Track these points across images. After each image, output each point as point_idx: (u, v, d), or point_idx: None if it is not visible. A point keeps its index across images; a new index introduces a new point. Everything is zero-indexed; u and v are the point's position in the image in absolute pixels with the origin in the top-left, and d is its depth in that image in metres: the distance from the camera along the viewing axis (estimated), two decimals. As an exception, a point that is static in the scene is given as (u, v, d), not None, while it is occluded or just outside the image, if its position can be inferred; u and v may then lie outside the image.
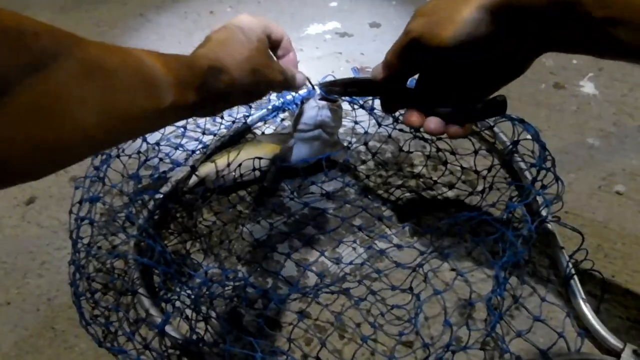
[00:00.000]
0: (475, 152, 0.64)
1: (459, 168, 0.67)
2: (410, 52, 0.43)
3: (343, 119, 0.72)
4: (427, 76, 0.47)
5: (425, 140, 0.68)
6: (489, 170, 0.64)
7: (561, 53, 0.39)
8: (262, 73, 0.43)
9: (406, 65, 0.45)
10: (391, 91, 0.48)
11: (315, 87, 0.59)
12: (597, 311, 0.52)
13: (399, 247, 0.60)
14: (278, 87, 0.48)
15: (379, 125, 0.71)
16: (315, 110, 0.61)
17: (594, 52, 0.36)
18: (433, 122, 0.46)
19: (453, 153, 0.66)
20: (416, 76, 0.48)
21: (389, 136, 0.73)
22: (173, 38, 1.08)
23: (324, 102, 0.61)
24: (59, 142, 0.25)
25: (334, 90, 0.57)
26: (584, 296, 0.52)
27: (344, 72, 0.89)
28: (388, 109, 0.51)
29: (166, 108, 0.33)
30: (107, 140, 0.30)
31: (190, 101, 0.36)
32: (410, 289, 0.56)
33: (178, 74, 0.34)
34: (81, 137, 0.27)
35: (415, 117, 0.47)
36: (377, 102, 0.73)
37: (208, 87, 0.37)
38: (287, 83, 0.48)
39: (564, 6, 0.33)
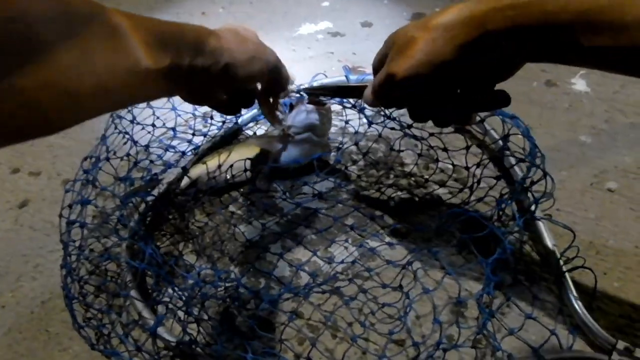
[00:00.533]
0: (467, 148, 0.64)
1: (450, 166, 0.67)
2: (395, 91, 0.43)
3: (333, 120, 0.72)
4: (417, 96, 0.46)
5: (417, 138, 0.68)
6: (478, 165, 0.64)
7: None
8: (258, 50, 0.45)
9: (390, 103, 0.46)
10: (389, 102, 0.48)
11: (303, 93, 0.60)
12: (589, 308, 0.52)
13: (390, 245, 0.61)
14: (273, 66, 0.49)
15: (370, 124, 0.72)
16: (304, 114, 0.62)
17: (575, 64, 0.37)
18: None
19: (445, 150, 0.66)
20: None
21: (379, 135, 0.73)
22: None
23: (312, 106, 0.62)
24: (84, 95, 0.28)
25: (320, 95, 0.57)
26: (575, 293, 0.53)
27: (336, 72, 0.89)
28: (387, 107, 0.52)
29: (160, 70, 0.33)
30: (118, 95, 0.32)
31: (186, 63, 0.36)
32: (400, 287, 0.56)
33: (172, 36, 0.35)
34: (100, 92, 0.29)
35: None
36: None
37: (199, 50, 0.37)
38: (280, 68, 0.50)
39: (551, 30, 0.34)
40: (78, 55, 0.27)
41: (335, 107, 0.72)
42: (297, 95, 0.59)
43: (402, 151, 0.71)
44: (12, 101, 0.24)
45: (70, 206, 0.61)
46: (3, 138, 0.26)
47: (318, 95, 0.58)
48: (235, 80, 0.43)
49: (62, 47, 0.26)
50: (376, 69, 0.46)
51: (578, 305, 0.52)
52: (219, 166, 0.66)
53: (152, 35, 0.33)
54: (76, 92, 0.28)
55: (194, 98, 0.45)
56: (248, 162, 0.66)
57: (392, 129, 0.70)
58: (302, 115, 0.60)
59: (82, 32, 0.28)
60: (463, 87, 0.43)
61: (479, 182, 0.63)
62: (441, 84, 0.42)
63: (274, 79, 0.50)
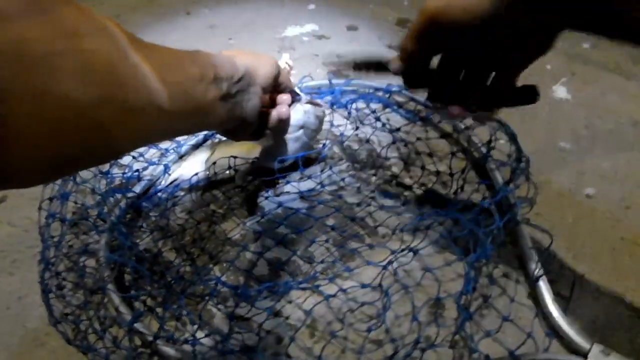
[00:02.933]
0: (453, 154, 0.65)
1: (434, 169, 0.68)
2: (427, 33, 0.41)
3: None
4: (447, 58, 0.44)
5: (405, 143, 0.69)
6: (463, 171, 0.65)
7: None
8: (262, 55, 0.49)
9: (424, 48, 0.43)
10: (412, 73, 0.46)
11: (301, 93, 0.61)
12: (565, 311, 0.53)
13: (370, 246, 0.61)
14: (278, 65, 0.52)
15: (357, 127, 0.72)
16: (300, 113, 0.62)
17: (612, 35, 0.36)
18: (457, 110, 0.46)
19: (430, 155, 0.67)
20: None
21: (367, 141, 0.74)
22: (149, 39, 1.08)
23: (309, 106, 0.62)
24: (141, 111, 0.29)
25: (350, 67, 0.53)
26: (552, 296, 0.53)
27: (320, 74, 0.89)
28: (411, 85, 0.49)
29: (198, 78, 0.38)
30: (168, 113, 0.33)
31: (212, 73, 0.40)
32: (380, 286, 0.56)
33: (194, 56, 0.40)
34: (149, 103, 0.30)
35: (457, 111, 0.47)
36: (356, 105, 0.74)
37: (217, 65, 0.41)
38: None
39: None
40: (132, 72, 0.28)
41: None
42: (295, 93, 0.59)
43: (389, 159, 0.72)
44: (73, 117, 0.23)
45: (50, 199, 0.60)
46: (68, 161, 0.25)
47: (350, 67, 0.55)
48: (255, 83, 0.46)
49: (119, 64, 0.27)
50: (406, 46, 0.44)
51: (554, 308, 0.52)
52: (214, 163, 0.66)
53: (177, 54, 0.36)
54: (133, 107, 0.28)
55: (233, 118, 0.46)
56: (232, 160, 0.66)
57: (383, 130, 0.71)
58: (298, 113, 0.60)
59: (134, 51, 0.29)
60: (496, 66, 0.42)
61: (462, 188, 0.64)
62: (473, 45, 0.40)
63: (282, 77, 0.53)
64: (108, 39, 0.27)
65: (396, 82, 0.72)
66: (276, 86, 0.54)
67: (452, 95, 0.46)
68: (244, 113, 0.46)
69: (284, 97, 0.56)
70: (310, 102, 0.61)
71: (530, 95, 0.44)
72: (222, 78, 0.41)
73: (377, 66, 0.51)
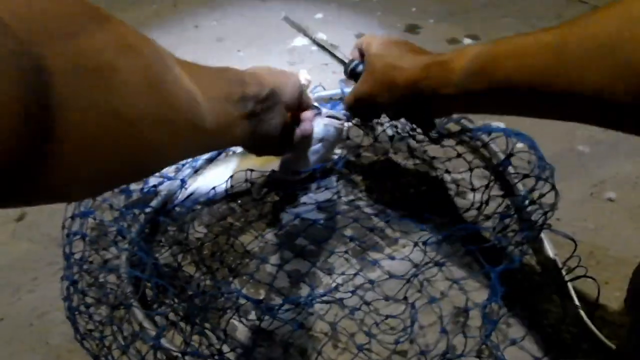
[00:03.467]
0: (471, 169, 0.65)
1: (453, 178, 0.68)
2: (356, 103, 0.57)
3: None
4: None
5: (423, 160, 0.69)
6: (487, 187, 0.64)
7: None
8: (285, 73, 0.50)
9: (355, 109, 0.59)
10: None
11: (321, 107, 0.61)
12: (591, 317, 0.52)
13: (391, 258, 0.60)
14: (300, 83, 0.53)
15: (375, 139, 0.72)
16: (321, 126, 0.62)
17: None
18: None
19: (448, 172, 0.67)
20: None
21: (386, 153, 0.73)
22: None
23: (329, 120, 0.62)
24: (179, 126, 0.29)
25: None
26: (578, 303, 0.53)
27: (330, 83, 0.89)
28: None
29: (223, 97, 0.38)
30: (201, 131, 0.33)
31: (239, 92, 0.40)
32: (405, 298, 0.56)
33: (219, 75, 0.40)
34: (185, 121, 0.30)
35: None
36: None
37: (243, 82, 0.42)
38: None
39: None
40: (170, 88, 0.28)
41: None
42: (316, 107, 0.60)
43: (405, 168, 0.72)
44: (122, 133, 0.23)
45: (72, 217, 0.61)
46: (112, 177, 0.25)
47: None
48: (280, 106, 0.47)
49: (159, 81, 0.27)
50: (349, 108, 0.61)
51: (581, 315, 0.52)
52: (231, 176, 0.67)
53: (206, 72, 0.37)
54: (177, 124, 0.28)
55: (257, 137, 0.47)
56: (248, 173, 0.66)
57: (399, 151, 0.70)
58: (319, 127, 0.60)
59: (170, 68, 0.29)
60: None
61: (487, 202, 0.63)
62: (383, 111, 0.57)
63: (300, 97, 0.53)
64: (157, 56, 0.27)
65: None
66: (299, 103, 0.54)
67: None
68: (268, 131, 0.47)
69: (308, 114, 0.56)
70: (331, 116, 0.61)
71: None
72: (248, 97, 0.41)
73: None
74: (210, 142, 0.38)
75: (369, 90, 0.54)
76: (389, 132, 0.73)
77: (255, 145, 0.50)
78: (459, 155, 0.67)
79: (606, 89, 0.31)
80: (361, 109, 0.58)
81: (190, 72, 0.32)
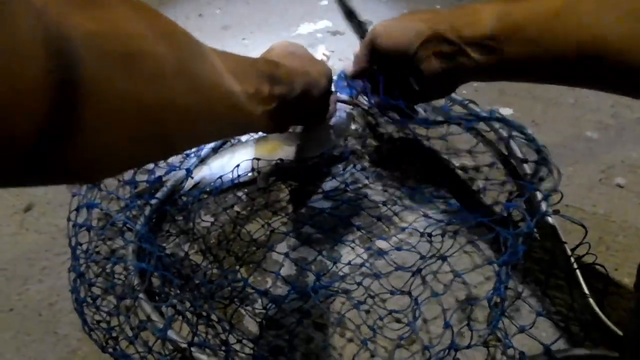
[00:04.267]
0: (470, 152, 0.64)
1: (459, 164, 0.67)
2: (369, 49, 0.52)
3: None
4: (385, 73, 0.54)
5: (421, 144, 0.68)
6: (491, 166, 0.64)
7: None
8: (317, 68, 0.48)
9: (367, 59, 0.53)
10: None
11: (337, 91, 0.60)
12: (600, 305, 0.52)
13: (398, 249, 0.60)
14: (330, 77, 0.51)
15: (377, 125, 0.71)
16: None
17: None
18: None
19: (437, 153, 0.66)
20: None
21: (390, 138, 0.73)
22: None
23: (341, 105, 0.61)
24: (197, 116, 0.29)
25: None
26: (586, 290, 0.52)
27: (336, 71, 0.89)
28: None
29: (253, 94, 0.36)
30: (223, 120, 0.33)
31: (267, 91, 0.38)
32: (409, 293, 0.56)
33: (249, 66, 0.38)
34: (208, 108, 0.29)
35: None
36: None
37: (274, 79, 0.40)
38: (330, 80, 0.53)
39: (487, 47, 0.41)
40: (194, 77, 0.28)
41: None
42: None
43: (412, 155, 0.71)
44: (142, 118, 0.24)
45: (77, 209, 0.61)
46: (131, 159, 0.26)
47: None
48: (310, 102, 0.46)
49: (183, 68, 0.26)
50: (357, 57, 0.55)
51: (590, 301, 0.51)
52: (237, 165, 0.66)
53: (233, 64, 0.35)
54: (192, 112, 0.28)
55: (279, 129, 0.47)
56: (256, 162, 0.66)
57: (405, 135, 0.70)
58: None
59: (195, 56, 0.28)
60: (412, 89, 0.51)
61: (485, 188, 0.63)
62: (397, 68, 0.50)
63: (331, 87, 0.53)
64: (176, 42, 0.27)
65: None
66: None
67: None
68: (292, 123, 0.46)
69: (332, 98, 0.56)
70: (341, 101, 0.60)
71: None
72: (276, 96, 0.40)
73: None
74: (228, 130, 0.37)
75: (388, 23, 0.49)
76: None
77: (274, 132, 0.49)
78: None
79: (627, 48, 0.32)
80: (372, 51, 0.52)
81: (219, 61, 0.31)
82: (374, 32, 0.50)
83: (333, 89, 0.60)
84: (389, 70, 0.53)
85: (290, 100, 0.42)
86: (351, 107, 0.60)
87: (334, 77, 0.56)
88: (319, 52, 0.57)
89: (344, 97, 0.60)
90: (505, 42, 0.40)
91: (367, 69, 0.55)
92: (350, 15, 0.74)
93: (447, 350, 0.47)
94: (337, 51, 0.99)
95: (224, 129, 0.36)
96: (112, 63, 0.21)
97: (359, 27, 0.66)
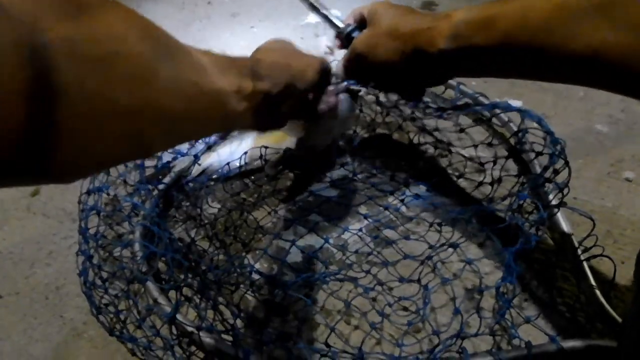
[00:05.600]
0: (475, 145, 0.64)
1: (463, 158, 0.67)
2: (353, 62, 0.53)
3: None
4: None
5: (430, 134, 0.68)
6: (495, 162, 0.64)
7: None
8: (304, 60, 0.47)
9: (352, 70, 0.55)
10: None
11: (339, 79, 0.60)
12: (607, 297, 0.51)
13: (406, 238, 0.60)
14: (320, 69, 0.50)
15: (387, 114, 0.71)
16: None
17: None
18: None
19: (450, 144, 0.66)
20: None
21: (399, 127, 0.72)
22: (171, 29, 1.07)
23: (345, 95, 0.61)
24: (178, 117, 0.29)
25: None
26: (593, 282, 0.52)
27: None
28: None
29: (235, 90, 0.35)
30: (202, 119, 0.33)
31: (250, 87, 0.38)
32: (419, 280, 0.56)
33: (230, 63, 0.37)
34: (184, 108, 0.29)
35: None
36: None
37: (256, 74, 0.39)
38: (324, 66, 0.51)
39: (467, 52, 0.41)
40: (172, 77, 0.28)
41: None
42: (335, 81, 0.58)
43: (421, 145, 0.71)
44: (118, 121, 0.24)
45: (88, 193, 0.61)
46: (108, 160, 0.26)
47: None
48: (295, 96, 0.45)
49: (160, 69, 0.26)
50: (345, 68, 0.55)
51: (596, 294, 0.51)
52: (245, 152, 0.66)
53: (214, 61, 0.35)
54: (171, 112, 0.28)
55: (262, 125, 0.46)
56: (263, 150, 0.65)
57: (413, 120, 0.69)
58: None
59: (174, 56, 0.28)
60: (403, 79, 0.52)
61: (499, 180, 0.63)
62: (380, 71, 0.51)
63: (323, 79, 0.52)
64: (151, 43, 0.27)
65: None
66: (322, 84, 0.53)
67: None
68: (278, 119, 0.46)
69: (331, 90, 0.55)
70: (348, 91, 0.60)
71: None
72: (259, 91, 0.39)
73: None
74: (211, 128, 0.37)
75: (372, 40, 0.50)
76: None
77: (267, 129, 0.49)
78: (475, 122, 0.66)
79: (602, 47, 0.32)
80: (358, 67, 0.54)
81: (191, 59, 0.31)
82: (356, 50, 0.52)
83: (335, 79, 0.60)
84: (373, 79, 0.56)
85: (274, 95, 0.41)
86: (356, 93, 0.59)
87: (334, 69, 0.55)
88: (322, 44, 0.56)
89: (345, 85, 0.60)
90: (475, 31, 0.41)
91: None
92: (313, 7, 0.73)
93: (455, 338, 0.47)
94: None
95: (206, 128, 0.36)
96: (87, 67, 0.21)
97: (326, 19, 0.65)
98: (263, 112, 0.41)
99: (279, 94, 0.42)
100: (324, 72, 0.51)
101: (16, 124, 0.18)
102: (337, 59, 0.60)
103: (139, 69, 0.24)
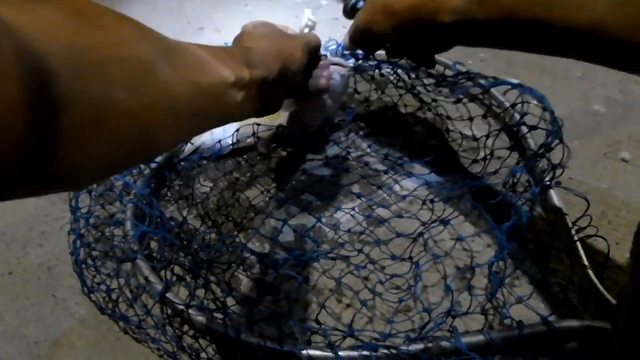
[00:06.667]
0: (470, 119, 0.63)
1: (459, 135, 0.66)
2: (359, 35, 0.53)
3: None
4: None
5: (427, 107, 0.67)
6: (487, 137, 0.63)
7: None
8: (292, 43, 0.47)
9: (359, 43, 0.55)
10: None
11: (327, 53, 0.59)
12: (600, 278, 0.51)
13: (399, 216, 0.60)
14: (310, 48, 0.50)
15: (382, 92, 0.70)
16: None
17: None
18: None
19: (449, 117, 0.65)
20: None
21: (394, 105, 0.71)
22: (164, 9, 1.06)
23: (335, 66, 0.60)
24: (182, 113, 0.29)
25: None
26: (586, 263, 0.52)
27: (340, 37, 0.87)
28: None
29: (233, 82, 0.35)
30: (203, 115, 0.33)
31: (247, 76, 0.38)
32: (410, 258, 0.55)
33: (224, 54, 0.37)
34: (186, 107, 0.29)
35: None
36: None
37: (250, 63, 0.39)
38: (313, 44, 0.51)
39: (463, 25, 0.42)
40: (172, 77, 0.28)
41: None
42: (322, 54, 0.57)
43: (415, 124, 0.70)
44: (124, 124, 0.24)
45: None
46: (116, 165, 0.26)
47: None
48: (289, 79, 0.45)
49: (160, 69, 0.27)
50: (348, 45, 0.57)
51: (589, 275, 0.51)
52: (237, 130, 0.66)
53: (212, 54, 0.35)
54: (175, 110, 0.28)
55: (260, 112, 0.46)
56: (255, 127, 0.65)
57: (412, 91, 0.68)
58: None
59: (171, 56, 0.28)
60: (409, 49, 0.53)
61: (491, 154, 0.62)
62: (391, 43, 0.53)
63: (313, 56, 0.52)
64: (149, 45, 0.27)
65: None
66: (310, 63, 0.52)
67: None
68: (274, 104, 0.46)
69: (321, 66, 0.55)
70: (336, 64, 0.59)
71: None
72: (256, 79, 0.39)
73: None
74: (211, 122, 0.37)
75: (370, 17, 0.51)
76: (391, 77, 0.71)
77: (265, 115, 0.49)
78: (471, 100, 0.65)
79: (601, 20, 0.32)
80: (363, 40, 0.55)
81: (188, 55, 0.31)
82: (358, 26, 0.52)
83: (323, 52, 0.59)
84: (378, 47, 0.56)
85: (270, 82, 0.42)
86: (345, 68, 0.59)
87: (322, 42, 0.55)
88: (305, 17, 0.55)
89: (336, 59, 0.59)
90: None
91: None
92: None
93: (445, 316, 0.47)
94: (340, 18, 0.96)
95: (208, 122, 0.36)
96: (88, 73, 0.21)
97: None
98: (261, 99, 0.42)
99: (275, 80, 0.42)
100: (314, 50, 0.50)
101: (20, 135, 0.18)
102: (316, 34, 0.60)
103: (140, 71, 0.25)
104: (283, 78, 0.44)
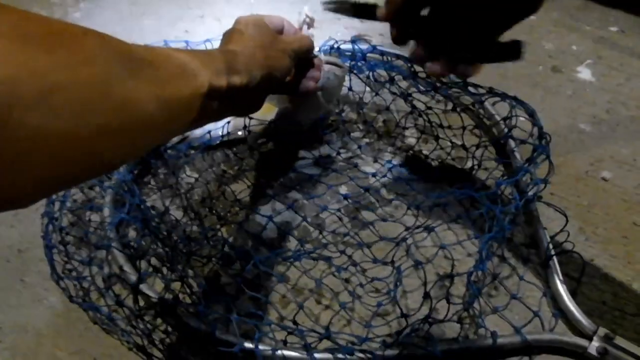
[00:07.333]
0: (463, 127, 0.64)
1: (449, 143, 0.66)
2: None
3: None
4: (434, 11, 0.44)
5: (420, 113, 0.67)
6: (477, 147, 0.64)
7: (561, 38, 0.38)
8: (280, 46, 0.45)
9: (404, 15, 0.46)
10: (402, 18, 0.47)
11: (321, 52, 0.58)
12: (573, 293, 0.52)
13: (384, 220, 0.60)
14: (299, 51, 0.48)
15: (376, 94, 0.70)
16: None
17: None
18: (436, 67, 0.46)
19: (441, 126, 0.66)
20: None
21: (387, 108, 0.71)
22: (168, 2, 1.03)
23: (329, 66, 0.59)
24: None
25: (343, 9, 0.55)
26: (561, 277, 0.53)
27: (341, 37, 0.86)
28: (397, 39, 0.49)
29: (205, 92, 0.34)
30: (166, 129, 0.32)
31: (225, 84, 0.36)
32: (392, 262, 0.55)
33: (204, 60, 0.35)
34: (144, 125, 0.28)
35: (437, 67, 0.46)
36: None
37: (231, 69, 0.38)
38: (304, 46, 0.49)
39: None
40: (134, 91, 0.27)
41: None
42: (316, 53, 0.56)
43: (407, 129, 0.70)
44: (68, 148, 0.23)
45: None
46: (63, 184, 0.26)
47: (343, 8, 0.56)
48: (273, 83, 0.44)
49: (114, 89, 0.25)
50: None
51: (563, 289, 0.52)
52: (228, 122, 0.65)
53: (191, 61, 0.33)
54: (129, 130, 0.27)
55: (240, 113, 0.46)
56: (247, 120, 0.64)
57: (394, 93, 0.68)
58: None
59: (135, 73, 0.27)
60: (482, 21, 0.42)
61: (479, 165, 0.63)
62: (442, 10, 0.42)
63: (304, 59, 0.50)
64: (108, 63, 0.25)
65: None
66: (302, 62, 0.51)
67: (437, 48, 0.46)
68: (255, 106, 0.45)
69: (315, 65, 0.54)
70: (331, 63, 0.58)
71: (514, 51, 0.44)
72: (234, 86, 0.38)
73: (365, 11, 0.52)
74: (181, 131, 0.36)
75: None
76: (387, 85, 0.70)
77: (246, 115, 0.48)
78: (462, 111, 0.65)
79: None
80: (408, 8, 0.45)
81: (152, 68, 0.29)
82: None
83: (317, 51, 0.58)
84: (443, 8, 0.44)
85: (252, 88, 0.40)
86: (340, 68, 0.58)
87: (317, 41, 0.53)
88: (302, 13, 0.54)
89: (332, 59, 0.58)
90: None
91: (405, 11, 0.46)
92: None
93: (422, 323, 0.47)
94: (343, 18, 0.95)
95: (178, 131, 0.35)
96: (29, 105, 0.20)
97: None
98: (240, 103, 0.41)
99: (257, 86, 0.41)
100: (304, 53, 0.49)
101: None
102: (313, 33, 0.58)
103: (91, 94, 0.23)
104: (266, 84, 0.42)
